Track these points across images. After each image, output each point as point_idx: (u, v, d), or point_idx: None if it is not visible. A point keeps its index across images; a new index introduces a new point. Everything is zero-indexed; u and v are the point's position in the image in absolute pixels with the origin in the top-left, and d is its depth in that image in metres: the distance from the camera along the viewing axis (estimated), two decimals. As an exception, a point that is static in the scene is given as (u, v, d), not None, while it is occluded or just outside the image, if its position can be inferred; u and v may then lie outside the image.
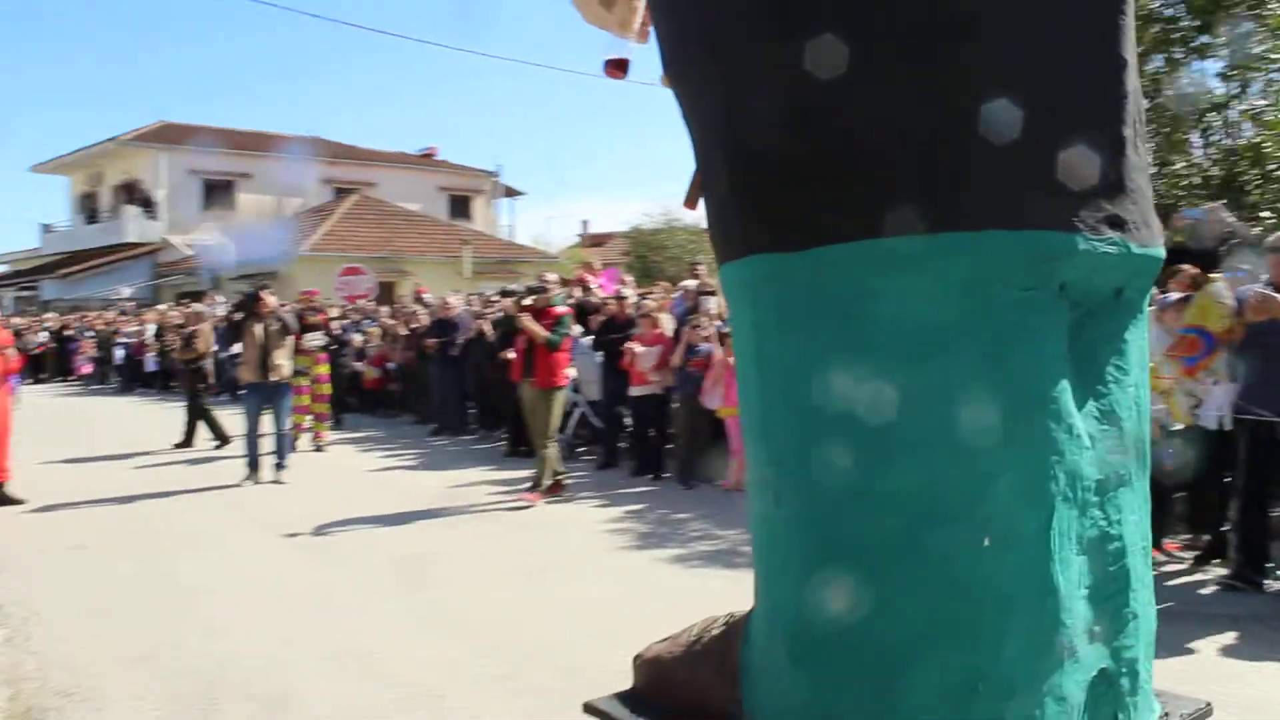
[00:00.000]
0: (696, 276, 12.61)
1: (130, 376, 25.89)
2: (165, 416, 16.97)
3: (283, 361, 10.80)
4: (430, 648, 5.42)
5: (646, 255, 31.44)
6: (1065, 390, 1.38)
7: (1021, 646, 1.35)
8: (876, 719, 1.38)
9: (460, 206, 44.05)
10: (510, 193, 45.75)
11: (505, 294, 10.90)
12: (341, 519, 8.87)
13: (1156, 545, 6.77)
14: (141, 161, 40.76)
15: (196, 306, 16.57)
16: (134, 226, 40.04)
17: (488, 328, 13.61)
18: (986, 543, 1.33)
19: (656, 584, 6.73)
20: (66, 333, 29.67)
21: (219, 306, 23.39)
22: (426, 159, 46.52)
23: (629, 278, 15.88)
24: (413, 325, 16.34)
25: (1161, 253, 1.57)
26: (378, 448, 13.98)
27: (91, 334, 28.74)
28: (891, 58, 1.36)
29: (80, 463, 12.86)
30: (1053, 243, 1.36)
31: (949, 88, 1.35)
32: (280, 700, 4.69)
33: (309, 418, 13.72)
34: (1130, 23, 1.49)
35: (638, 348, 10.52)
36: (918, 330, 1.34)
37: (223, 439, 13.62)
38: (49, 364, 29.35)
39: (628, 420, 11.58)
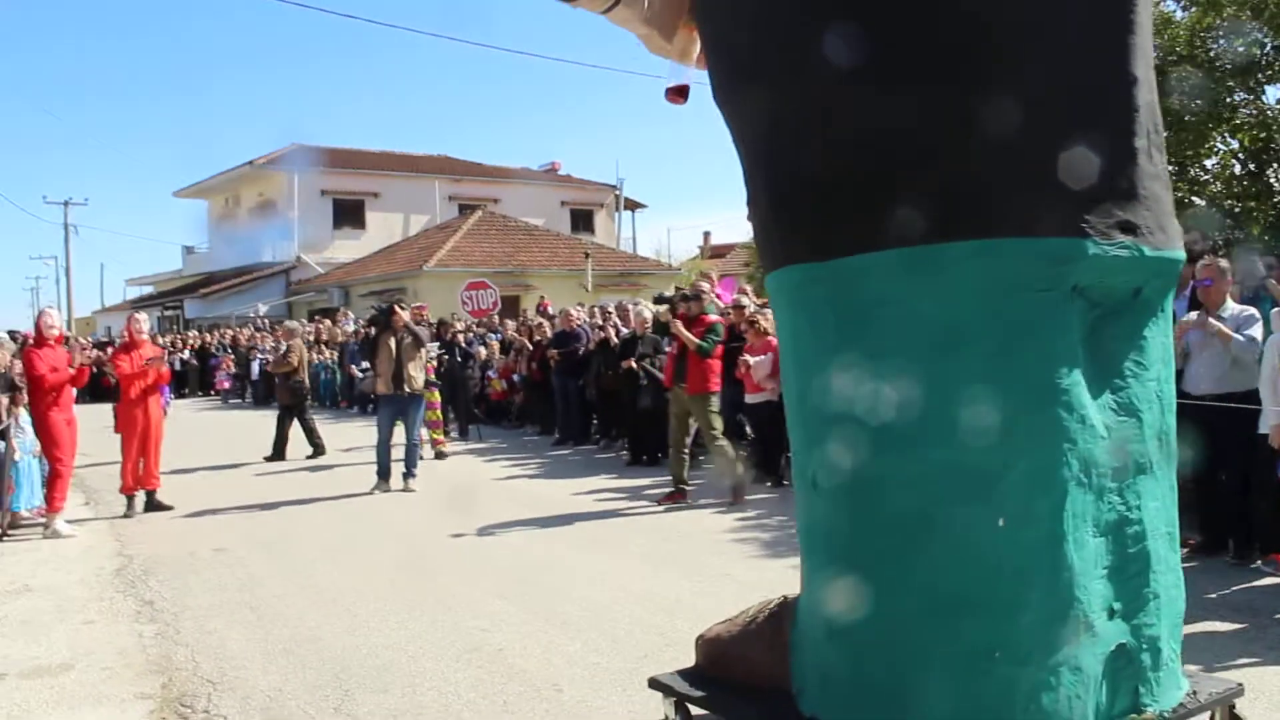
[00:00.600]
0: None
1: (266, 391, 26.81)
2: (297, 429, 17.58)
3: (416, 374, 11.18)
4: (551, 644, 5.60)
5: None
6: (1078, 383, 1.49)
7: (1037, 618, 1.46)
8: (904, 685, 1.51)
9: (582, 220, 44.58)
10: (632, 205, 46.16)
11: (659, 300, 11.14)
12: (467, 525, 9.13)
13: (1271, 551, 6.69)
14: (276, 184, 42.15)
15: (289, 324, 17.11)
16: (269, 247, 41.41)
17: (613, 333, 13.84)
18: (1001, 523, 1.45)
19: (777, 587, 6.80)
20: (207, 350, 30.86)
21: (349, 322, 24.12)
22: (549, 174, 47.18)
23: (748, 287, 15.95)
24: (536, 338, 16.67)
25: (1179, 255, 1.66)
26: (502, 457, 14.29)
27: (230, 351, 29.86)
28: (912, 79, 1.51)
29: (221, 470, 13.47)
30: (1063, 248, 1.49)
31: (967, 106, 1.48)
32: (409, 690, 4.92)
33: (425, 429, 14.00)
34: (1142, 40, 1.59)
35: (750, 358, 10.60)
36: (935, 330, 1.47)
37: (319, 449, 14.25)
38: (191, 380, 30.57)
39: (747, 428, 11.68)
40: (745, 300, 12.96)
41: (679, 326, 9.68)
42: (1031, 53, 1.49)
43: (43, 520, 9.46)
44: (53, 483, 9.38)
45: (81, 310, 51.50)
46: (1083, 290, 1.54)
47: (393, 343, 11.18)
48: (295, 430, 14.51)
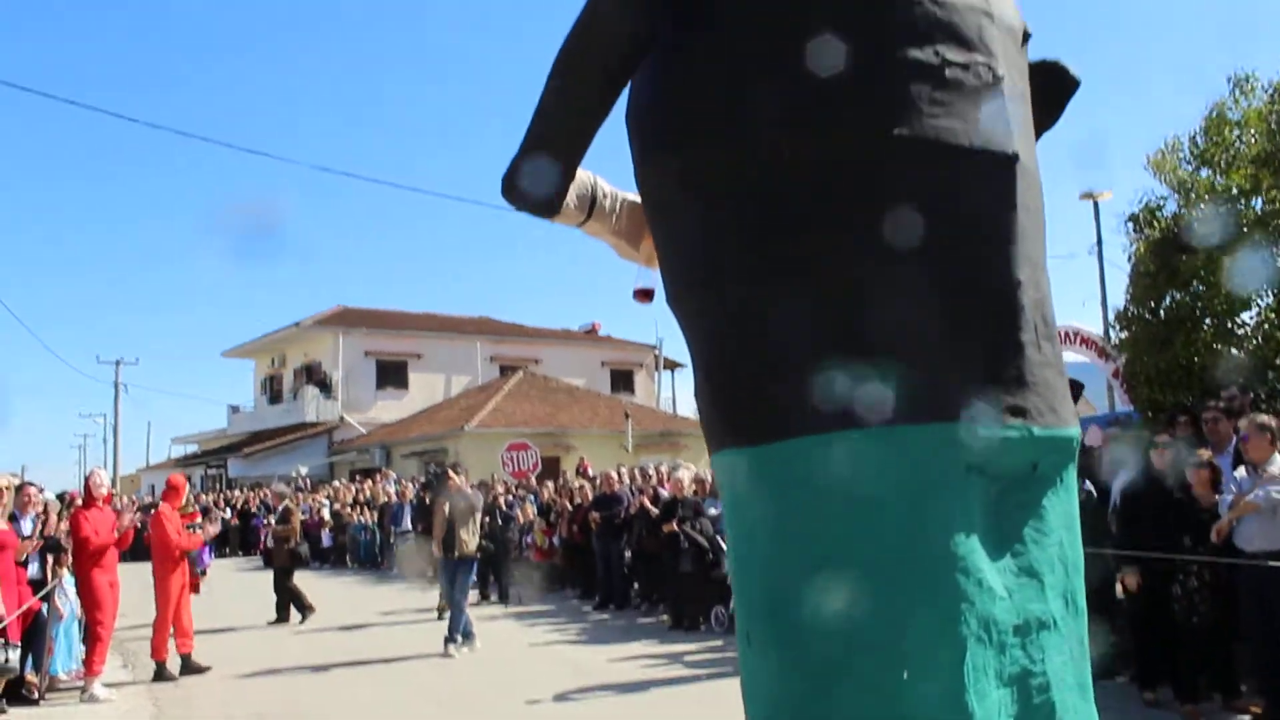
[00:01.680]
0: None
1: (266, 555, 26.76)
2: (337, 590, 17.49)
3: (467, 538, 11.18)
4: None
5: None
6: (975, 550, 1.67)
7: None
8: None
9: (623, 380, 44.92)
10: (671, 365, 46.49)
11: None
12: (507, 693, 8.96)
13: None
14: (321, 345, 42.87)
15: (279, 487, 17.41)
16: (312, 407, 41.88)
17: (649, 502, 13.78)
18: (905, 675, 1.61)
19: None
20: (249, 509, 30.94)
21: (391, 483, 24.17)
22: (589, 334, 47.77)
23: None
24: (577, 500, 16.62)
25: (1070, 432, 1.84)
26: (543, 621, 14.09)
27: (271, 511, 29.92)
28: (803, 288, 1.74)
29: (259, 631, 13.33)
30: (955, 432, 1.68)
31: (862, 309, 1.71)
32: None
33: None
34: (1024, 248, 1.80)
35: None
36: (845, 505, 1.67)
37: (305, 610, 14.20)
38: (232, 539, 30.57)
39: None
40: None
41: None
42: (917, 266, 1.72)
43: (80, 684, 9.37)
44: (92, 646, 9.32)
45: (127, 468, 52.00)
46: (981, 467, 1.72)
47: (447, 506, 11.23)
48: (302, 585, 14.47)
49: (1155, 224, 14.72)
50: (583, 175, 2.17)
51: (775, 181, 1.77)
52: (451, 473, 11.56)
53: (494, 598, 16.05)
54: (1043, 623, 1.75)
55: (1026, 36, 2.02)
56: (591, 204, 2.21)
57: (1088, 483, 8.31)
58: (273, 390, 46.80)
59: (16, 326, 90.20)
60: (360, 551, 24.58)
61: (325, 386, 42.16)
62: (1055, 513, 1.84)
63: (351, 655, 11.24)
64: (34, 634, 8.99)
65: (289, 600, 14.48)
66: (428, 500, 11.95)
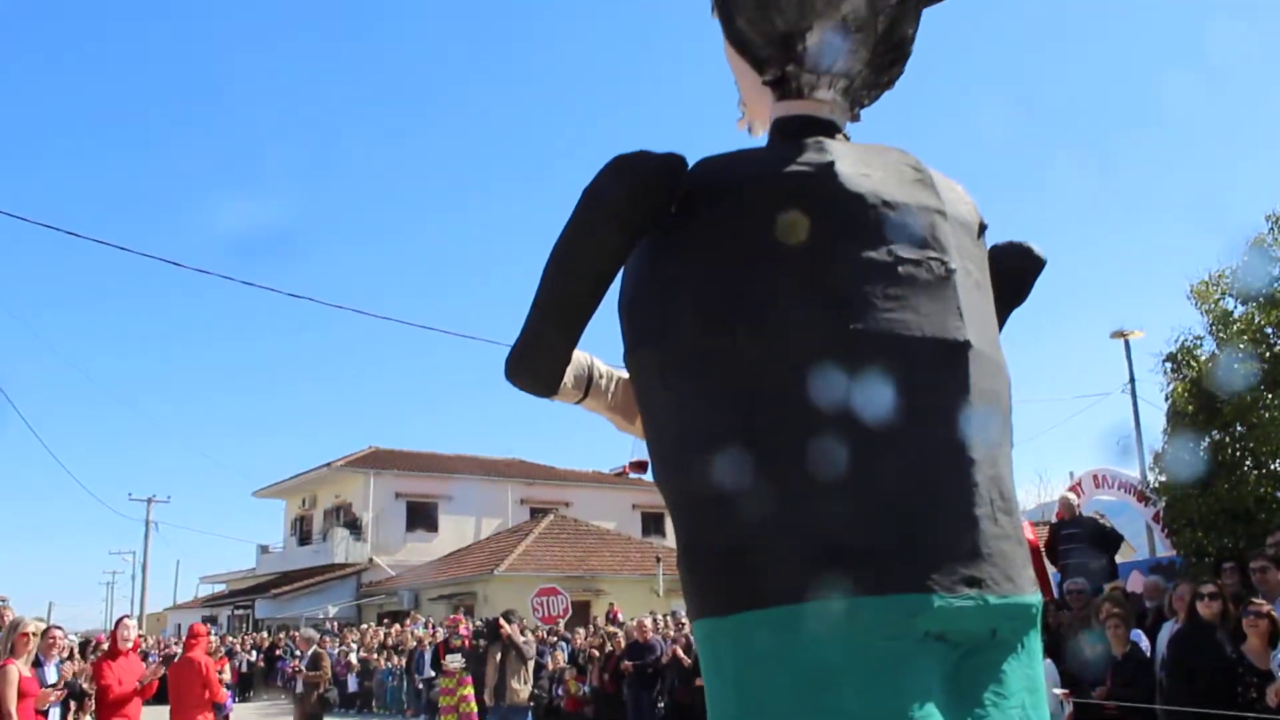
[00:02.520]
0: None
1: (299, 704, 26.35)
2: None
3: (518, 687, 11.08)
4: None
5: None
6: (930, 714, 1.75)
7: None
8: None
9: (654, 523, 44.55)
10: (702, 509, 46.08)
11: None
12: None
13: None
14: (352, 485, 42.93)
15: (307, 632, 17.51)
16: (341, 548, 41.74)
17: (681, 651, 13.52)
18: None
19: None
20: (276, 651, 30.58)
21: (419, 626, 23.89)
22: (620, 477, 47.54)
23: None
24: (608, 648, 16.32)
25: (1028, 600, 1.94)
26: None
27: (298, 653, 29.55)
28: (763, 470, 1.85)
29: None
30: (912, 603, 1.77)
31: (816, 491, 1.82)
32: None
33: None
34: (978, 427, 1.91)
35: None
36: (809, 671, 1.77)
37: None
38: (257, 681, 30.15)
39: None
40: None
41: None
42: (874, 451, 1.84)
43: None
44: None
45: (154, 606, 51.72)
46: (941, 634, 1.82)
47: (499, 655, 11.16)
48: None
49: (1193, 364, 14.64)
50: (579, 357, 2.33)
51: (739, 380, 1.93)
52: (503, 621, 11.52)
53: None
54: None
55: (983, 229, 2.18)
56: (588, 384, 2.38)
57: (1136, 632, 8.08)
58: (302, 531, 46.74)
59: (50, 461, 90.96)
60: (387, 697, 24.16)
61: (355, 528, 42.07)
62: (1015, 676, 1.92)
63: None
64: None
65: None
66: (480, 648, 11.96)
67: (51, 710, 9.01)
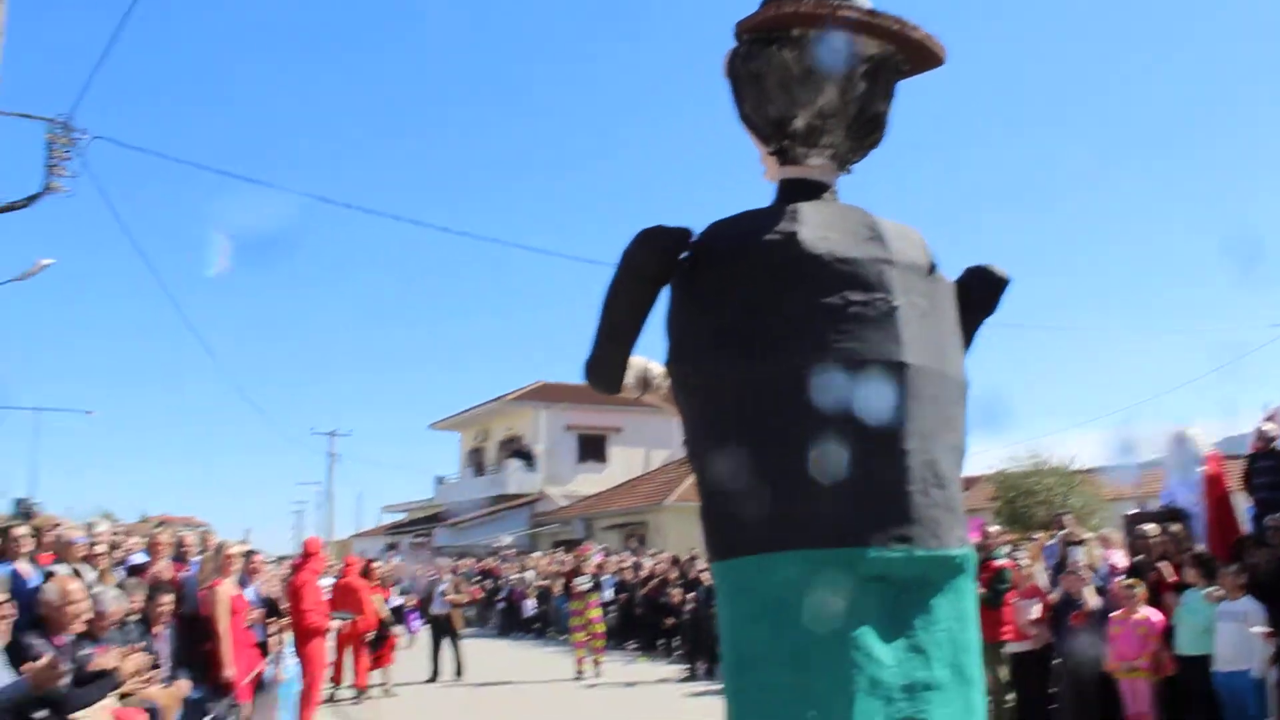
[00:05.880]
0: (1062, 527, 11.96)
1: (509, 620, 27.17)
2: (538, 658, 17.75)
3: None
4: None
5: (1015, 500, 29.83)
6: (867, 631, 2.39)
7: None
8: None
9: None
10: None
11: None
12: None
13: None
14: (523, 419, 43.86)
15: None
16: (515, 479, 42.78)
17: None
18: (812, 714, 2.32)
19: None
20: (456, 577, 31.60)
21: (595, 553, 24.34)
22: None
23: (994, 528, 15.34)
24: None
25: (952, 552, 2.54)
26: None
27: (477, 579, 30.51)
28: (757, 470, 2.48)
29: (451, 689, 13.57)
30: (851, 555, 2.41)
31: (787, 482, 2.46)
32: None
33: (583, 650, 16.31)
34: (914, 425, 2.52)
35: (1016, 601, 9.99)
36: (770, 604, 2.44)
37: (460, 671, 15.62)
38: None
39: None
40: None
41: None
42: (832, 444, 2.45)
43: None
44: (304, 706, 9.60)
45: (339, 534, 54.07)
46: (881, 577, 2.44)
47: None
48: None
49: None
50: (639, 362, 3.05)
51: (731, 392, 2.59)
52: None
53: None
54: (927, 684, 2.44)
55: (933, 267, 2.76)
56: (646, 384, 3.12)
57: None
58: (477, 462, 48.05)
59: (242, 401, 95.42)
60: (563, 622, 24.78)
61: (527, 459, 43.04)
62: (943, 608, 2.53)
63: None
64: (258, 694, 9.33)
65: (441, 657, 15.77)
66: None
67: (255, 627, 9.54)
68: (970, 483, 39.77)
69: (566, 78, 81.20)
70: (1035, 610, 9.87)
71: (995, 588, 9.12)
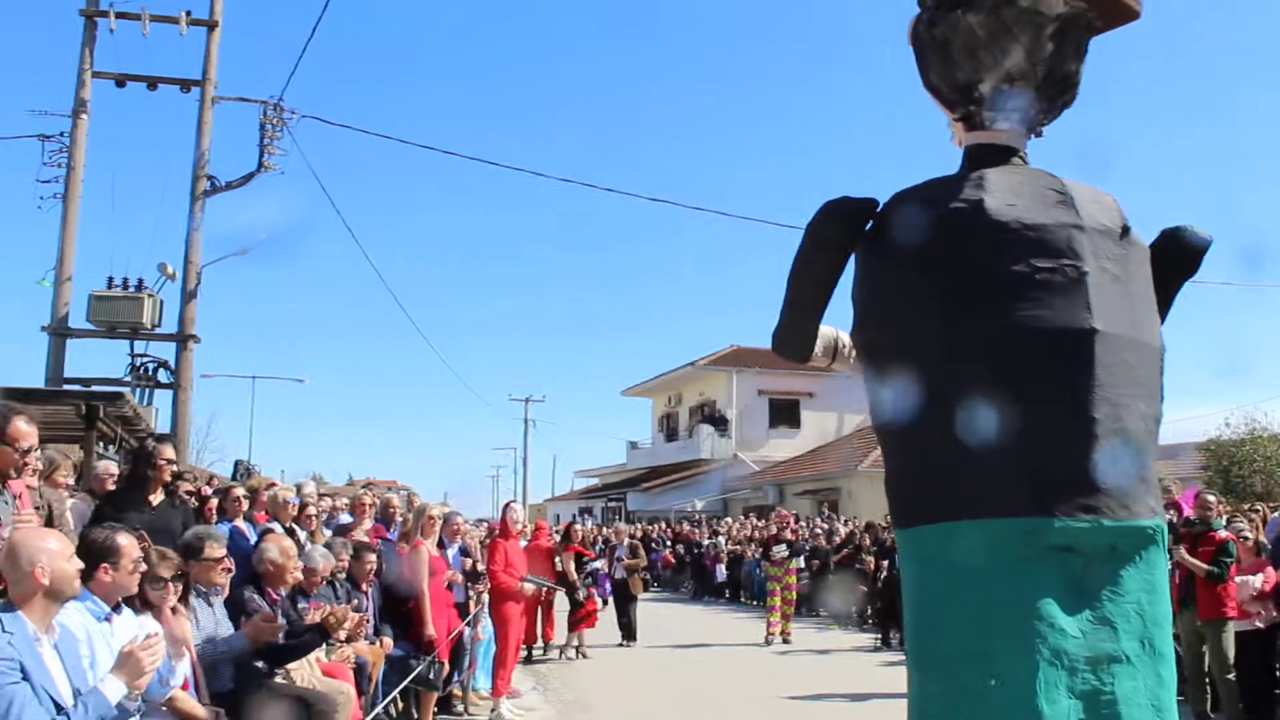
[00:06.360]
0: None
1: (701, 585, 27.38)
2: (729, 623, 17.83)
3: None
4: None
5: (1229, 469, 28.22)
6: (1050, 602, 2.38)
7: None
8: None
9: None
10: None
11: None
12: None
13: None
14: (715, 384, 43.97)
15: (619, 525, 19.96)
16: (707, 444, 42.98)
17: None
18: (994, 682, 2.35)
19: None
20: (649, 542, 32.05)
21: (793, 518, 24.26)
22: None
23: (1211, 496, 14.57)
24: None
25: (1143, 523, 2.48)
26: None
27: (669, 544, 30.86)
28: (944, 436, 2.48)
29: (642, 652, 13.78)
30: (1035, 524, 2.40)
31: (975, 449, 2.43)
32: None
33: (777, 615, 16.32)
34: (1102, 392, 2.47)
35: (1237, 577, 9.40)
36: (956, 572, 2.45)
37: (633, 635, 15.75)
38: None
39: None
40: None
41: (1182, 554, 8.84)
42: (1020, 414, 2.44)
43: (489, 701, 9.94)
44: (498, 668, 9.85)
45: (534, 498, 55.44)
46: (1068, 547, 2.41)
47: None
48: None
49: None
50: (828, 331, 3.09)
51: (915, 361, 2.56)
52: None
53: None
54: (1113, 657, 2.41)
55: (1126, 231, 2.68)
56: (835, 353, 3.18)
57: None
58: (669, 428, 48.47)
59: (442, 368, 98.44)
60: (754, 587, 24.83)
61: (720, 424, 43.16)
62: (1132, 580, 2.49)
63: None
64: (458, 653, 9.67)
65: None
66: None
67: (455, 587, 9.87)
68: (1177, 450, 38.09)
69: (761, 52, 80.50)
70: (1257, 584, 9.30)
71: (1219, 560, 8.64)
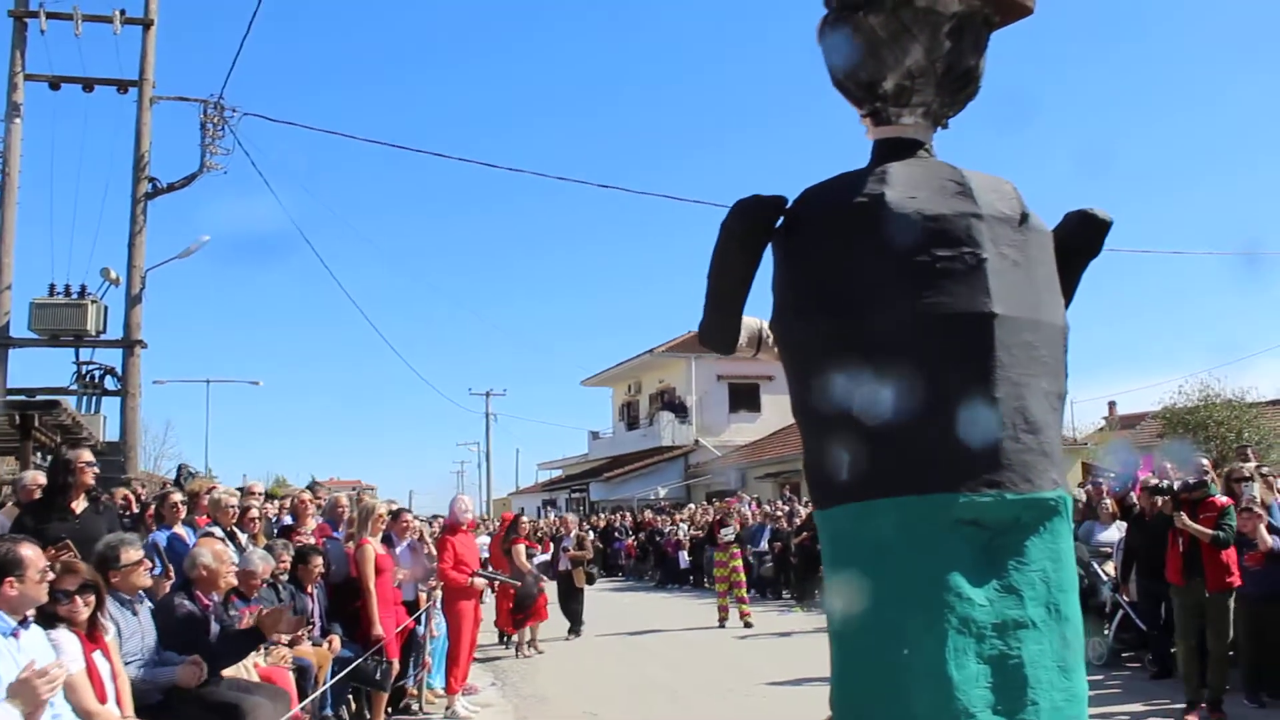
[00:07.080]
0: (1246, 459, 11.22)
1: (665, 572, 27.31)
2: (690, 609, 17.80)
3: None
4: None
5: (1184, 436, 28.54)
6: (958, 573, 2.51)
7: (927, 708, 2.48)
8: None
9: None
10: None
11: (1155, 492, 10.14)
12: None
13: None
14: (674, 371, 43.93)
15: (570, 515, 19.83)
16: (668, 431, 42.93)
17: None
18: (905, 651, 2.48)
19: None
20: (611, 531, 31.99)
21: (745, 505, 24.23)
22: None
23: (1206, 461, 14.56)
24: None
25: (1045, 495, 2.61)
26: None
27: (631, 533, 30.78)
28: (851, 423, 2.62)
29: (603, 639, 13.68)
30: (943, 500, 2.53)
31: (880, 431, 2.58)
32: None
33: (727, 600, 16.48)
34: (1003, 373, 2.61)
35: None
36: (870, 548, 2.58)
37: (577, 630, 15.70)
38: (596, 560, 31.64)
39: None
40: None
41: (1184, 519, 8.71)
42: (923, 395, 2.58)
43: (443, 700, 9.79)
44: (451, 665, 9.71)
45: (498, 492, 55.26)
46: (974, 521, 2.55)
47: None
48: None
49: None
50: (752, 323, 3.26)
51: (824, 349, 2.72)
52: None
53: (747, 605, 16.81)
54: (1020, 623, 2.55)
55: (1025, 217, 2.81)
56: (759, 343, 3.36)
57: None
58: (630, 416, 48.40)
59: (402, 365, 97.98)
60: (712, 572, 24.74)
61: (680, 411, 43.12)
62: (1037, 550, 2.63)
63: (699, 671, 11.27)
64: (410, 650, 9.51)
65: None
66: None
67: (405, 585, 9.71)
68: (1137, 420, 38.50)
69: (736, 56, 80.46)
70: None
71: (1222, 524, 8.52)
